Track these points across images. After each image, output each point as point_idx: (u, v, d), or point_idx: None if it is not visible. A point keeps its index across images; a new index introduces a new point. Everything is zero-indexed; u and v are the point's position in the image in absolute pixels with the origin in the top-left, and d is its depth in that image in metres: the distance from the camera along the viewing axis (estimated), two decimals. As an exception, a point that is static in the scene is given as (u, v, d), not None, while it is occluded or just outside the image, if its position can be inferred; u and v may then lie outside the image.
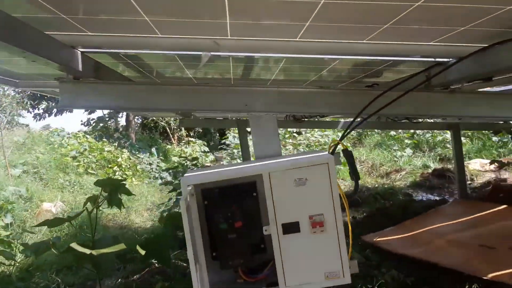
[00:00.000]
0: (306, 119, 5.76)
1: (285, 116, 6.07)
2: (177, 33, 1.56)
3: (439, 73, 1.56)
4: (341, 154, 1.66)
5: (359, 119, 1.70)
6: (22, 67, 2.35)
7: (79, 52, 1.69)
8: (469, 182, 7.53)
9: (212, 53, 1.54)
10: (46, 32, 1.48)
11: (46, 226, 2.83)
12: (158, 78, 2.39)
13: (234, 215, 1.52)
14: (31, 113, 19.08)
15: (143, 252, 1.71)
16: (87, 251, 1.61)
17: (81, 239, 1.73)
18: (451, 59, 1.53)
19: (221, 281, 1.67)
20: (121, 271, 4.66)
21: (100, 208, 7.21)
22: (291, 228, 1.50)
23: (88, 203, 1.83)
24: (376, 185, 8.72)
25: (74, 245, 1.63)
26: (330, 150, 1.64)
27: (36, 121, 20.16)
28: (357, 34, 1.43)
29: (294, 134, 14.53)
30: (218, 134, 20.02)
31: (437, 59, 1.54)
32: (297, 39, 1.55)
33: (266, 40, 1.61)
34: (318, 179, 1.49)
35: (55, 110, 19.34)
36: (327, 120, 6.72)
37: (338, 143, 1.65)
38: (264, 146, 1.70)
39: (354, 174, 1.66)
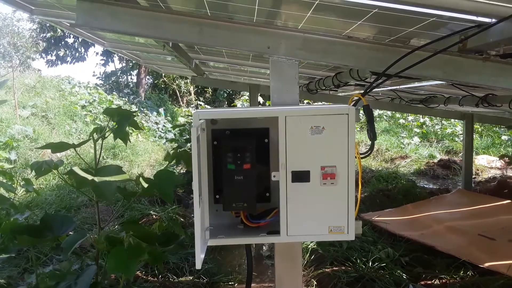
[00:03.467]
0: (319, 91, 5.65)
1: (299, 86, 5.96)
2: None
3: (477, 33, 1.47)
4: (361, 111, 1.59)
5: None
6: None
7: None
8: (474, 176, 7.45)
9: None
10: None
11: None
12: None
13: (243, 158, 1.46)
14: (43, 58, 19.01)
15: (145, 185, 1.68)
16: (89, 177, 1.57)
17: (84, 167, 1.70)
18: (492, 19, 1.43)
19: (221, 225, 1.63)
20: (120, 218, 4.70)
21: (105, 157, 7.24)
22: (300, 176, 1.44)
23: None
24: (380, 168, 8.68)
25: (76, 168, 1.59)
26: (351, 104, 1.57)
27: (48, 67, 20.13)
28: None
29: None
30: (226, 102, 19.93)
31: (479, 18, 1.44)
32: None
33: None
34: (335, 129, 1.42)
35: (68, 58, 19.24)
36: (340, 95, 6.60)
37: (359, 98, 1.58)
38: (282, 93, 1.63)
39: (372, 132, 1.59)
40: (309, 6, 1.70)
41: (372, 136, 1.59)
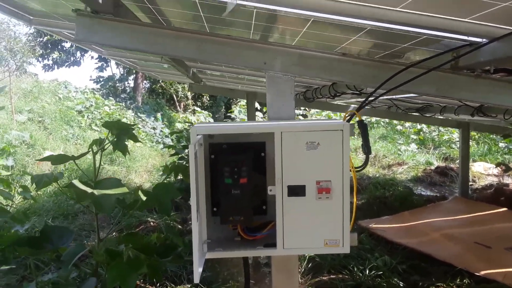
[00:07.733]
0: (315, 99, 5.68)
1: (296, 94, 6.00)
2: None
3: (468, 52, 1.50)
4: (356, 125, 1.62)
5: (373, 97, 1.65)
6: (38, 1, 2.29)
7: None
8: (471, 183, 7.49)
9: (238, 1, 1.48)
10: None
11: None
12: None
13: (240, 172, 1.49)
14: (40, 63, 19.02)
15: (144, 198, 1.71)
16: (89, 190, 1.60)
17: (83, 179, 1.72)
18: (484, 39, 1.47)
19: (218, 237, 1.66)
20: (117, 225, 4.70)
21: (102, 163, 7.21)
22: (296, 191, 1.47)
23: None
24: (377, 175, 8.70)
25: (75, 181, 1.62)
26: (346, 119, 1.60)
27: (45, 71, 20.11)
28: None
29: (300, 116, 14.47)
30: (224, 107, 19.94)
31: (470, 38, 1.48)
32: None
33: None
34: (330, 145, 1.45)
35: (65, 62, 19.23)
36: (336, 103, 6.64)
37: (354, 114, 1.61)
38: (278, 108, 1.66)
39: (367, 147, 1.62)
40: (305, 22, 1.74)
41: (367, 150, 1.62)
